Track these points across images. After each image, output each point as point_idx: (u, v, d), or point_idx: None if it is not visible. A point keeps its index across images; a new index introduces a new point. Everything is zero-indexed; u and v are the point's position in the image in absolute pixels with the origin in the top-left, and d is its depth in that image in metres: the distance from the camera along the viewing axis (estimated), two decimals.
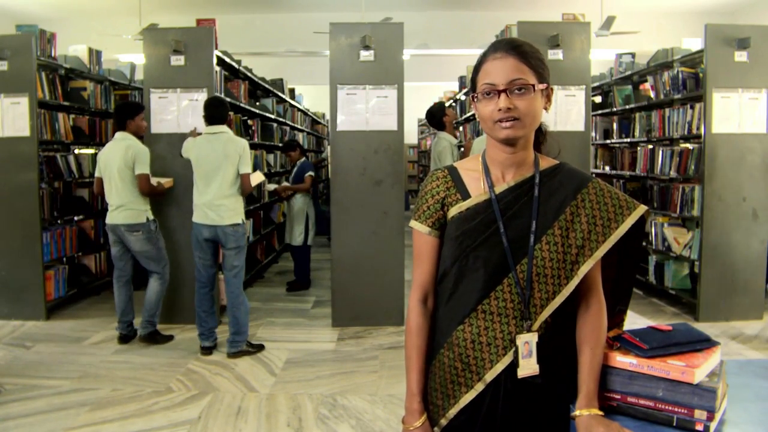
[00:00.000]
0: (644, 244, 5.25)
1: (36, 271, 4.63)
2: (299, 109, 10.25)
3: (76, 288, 5.22)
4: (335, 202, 4.59)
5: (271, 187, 6.32)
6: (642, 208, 1.24)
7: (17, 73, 4.55)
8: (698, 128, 4.62)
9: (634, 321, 1.45)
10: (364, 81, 4.49)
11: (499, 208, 1.23)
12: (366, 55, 4.48)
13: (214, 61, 4.57)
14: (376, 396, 3.33)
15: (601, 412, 1.16)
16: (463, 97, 7.52)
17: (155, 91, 4.52)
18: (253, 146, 6.48)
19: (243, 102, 5.82)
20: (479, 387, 1.23)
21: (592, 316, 1.25)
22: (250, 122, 6.52)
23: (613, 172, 6.25)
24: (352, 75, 4.49)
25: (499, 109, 1.17)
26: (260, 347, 4.06)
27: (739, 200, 4.48)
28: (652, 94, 5.58)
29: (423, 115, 5.75)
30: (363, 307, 4.60)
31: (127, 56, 7.88)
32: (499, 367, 1.22)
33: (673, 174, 4.97)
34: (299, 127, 10.04)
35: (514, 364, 1.21)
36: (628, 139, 6.03)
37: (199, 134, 4.05)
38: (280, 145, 7.43)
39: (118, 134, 4.05)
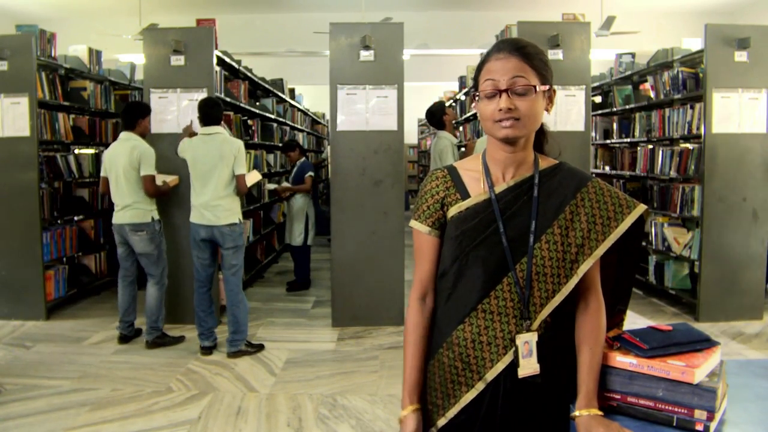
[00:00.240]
0: (644, 244, 5.26)
1: (36, 271, 4.63)
2: (299, 109, 10.25)
3: (76, 288, 5.22)
4: (335, 202, 4.59)
5: (271, 186, 6.33)
6: (641, 207, 1.24)
7: (17, 73, 4.55)
8: (698, 128, 4.62)
9: (634, 321, 1.45)
10: (364, 81, 4.49)
11: (498, 207, 1.23)
12: (366, 55, 4.48)
13: (214, 61, 4.57)
14: (376, 396, 3.33)
15: (601, 412, 1.16)
16: (463, 97, 7.52)
17: (155, 91, 4.52)
18: (253, 146, 6.49)
19: (243, 102, 5.82)
20: (480, 386, 1.23)
21: (591, 315, 1.25)
22: (250, 122, 6.52)
23: (613, 172, 6.25)
24: (352, 75, 4.49)
25: (500, 109, 1.18)
26: (260, 347, 4.07)
27: (739, 200, 4.48)
28: (652, 94, 5.58)
29: (423, 115, 5.76)
30: (363, 307, 4.60)
31: (127, 56, 7.88)
32: (500, 367, 1.22)
33: (673, 174, 4.97)
34: (299, 127, 10.04)
35: (514, 364, 1.21)
36: (628, 139, 6.03)
37: (195, 134, 4.05)
38: (280, 145, 7.43)
39: (123, 134, 4.05)
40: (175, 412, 3.12)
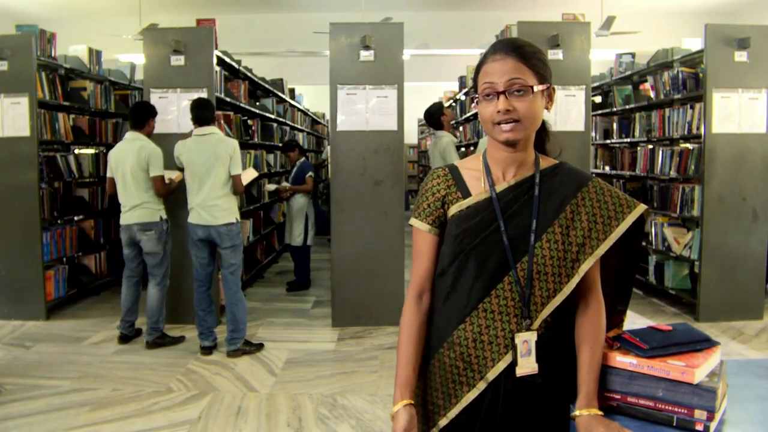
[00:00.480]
0: (644, 244, 5.25)
1: (36, 271, 4.63)
2: (299, 109, 10.25)
3: (76, 288, 5.22)
4: (335, 202, 4.59)
5: (272, 187, 6.32)
6: (642, 207, 1.25)
7: (17, 73, 4.55)
8: (698, 128, 4.62)
9: (634, 321, 1.45)
10: (364, 81, 4.49)
11: (499, 206, 1.24)
12: (366, 55, 4.48)
13: (214, 61, 4.57)
14: (376, 396, 3.33)
15: (601, 412, 1.16)
16: (463, 97, 7.52)
17: (155, 91, 4.52)
18: (253, 146, 6.49)
19: (243, 102, 5.82)
20: (481, 386, 1.23)
21: (591, 315, 1.25)
22: (250, 122, 6.52)
23: (613, 172, 6.25)
24: (352, 75, 4.49)
25: (498, 111, 1.18)
26: (260, 346, 4.07)
27: (739, 200, 4.48)
28: (652, 94, 5.58)
29: (423, 115, 5.76)
30: (363, 307, 4.60)
31: (127, 56, 7.89)
32: (501, 366, 1.22)
33: (673, 174, 4.96)
34: (299, 127, 10.04)
35: (514, 364, 1.21)
36: (628, 139, 6.03)
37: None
38: (280, 145, 7.44)
39: (130, 134, 4.05)
40: (175, 412, 3.12)
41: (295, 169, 5.93)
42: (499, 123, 1.19)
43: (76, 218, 5.45)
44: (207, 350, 3.97)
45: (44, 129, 4.84)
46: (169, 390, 3.41)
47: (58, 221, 5.21)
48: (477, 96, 1.23)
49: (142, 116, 4.05)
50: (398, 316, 1.28)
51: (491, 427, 1.24)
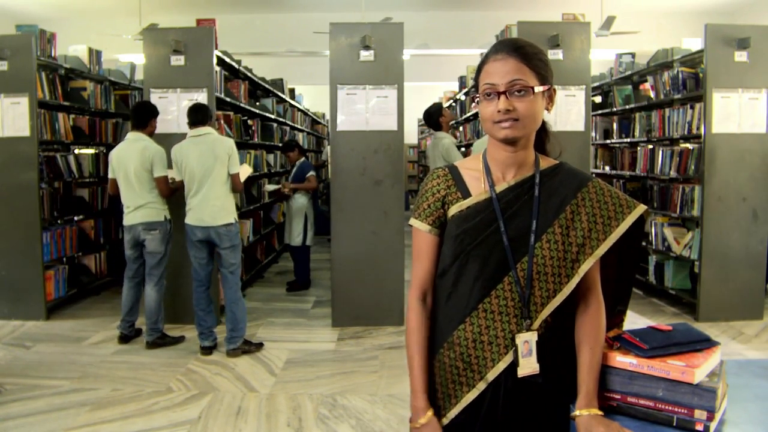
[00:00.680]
0: (644, 244, 5.26)
1: (36, 271, 4.63)
2: (299, 109, 10.25)
3: (76, 288, 5.22)
4: (335, 202, 4.59)
5: (271, 187, 6.32)
6: (642, 208, 1.25)
7: (17, 73, 4.55)
8: (698, 128, 4.62)
9: (634, 321, 1.45)
10: (364, 81, 4.49)
11: (499, 207, 1.24)
12: (366, 55, 4.48)
13: (214, 61, 4.57)
14: (376, 396, 3.33)
15: (601, 412, 1.16)
16: (463, 97, 7.52)
17: (155, 91, 4.52)
18: (253, 146, 6.49)
19: (243, 102, 5.82)
20: (481, 386, 1.23)
21: (590, 315, 1.25)
22: (250, 122, 6.52)
23: (613, 172, 6.25)
24: (352, 75, 4.49)
25: (499, 111, 1.18)
26: (260, 345, 4.07)
27: (739, 200, 4.48)
28: (652, 94, 5.58)
29: (422, 115, 5.76)
30: (363, 307, 4.60)
31: (127, 56, 7.89)
32: (501, 366, 1.22)
33: (673, 174, 4.96)
34: (299, 127, 10.05)
35: (514, 364, 1.21)
36: (628, 139, 6.03)
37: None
38: (280, 145, 7.44)
39: (132, 134, 4.04)
40: (175, 412, 3.12)
41: (294, 169, 5.93)
42: (498, 121, 1.19)
43: (76, 218, 5.45)
44: (207, 350, 3.97)
45: (44, 129, 4.84)
46: (169, 390, 3.41)
47: (58, 221, 5.21)
48: (478, 96, 1.23)
49: (144, 116, 4.04)
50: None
51: (491, 427, 1.24)
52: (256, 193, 6.53)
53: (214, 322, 4.04)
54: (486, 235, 1.23)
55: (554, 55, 4.45)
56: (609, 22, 7.02)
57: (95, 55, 5.72)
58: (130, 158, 3.94)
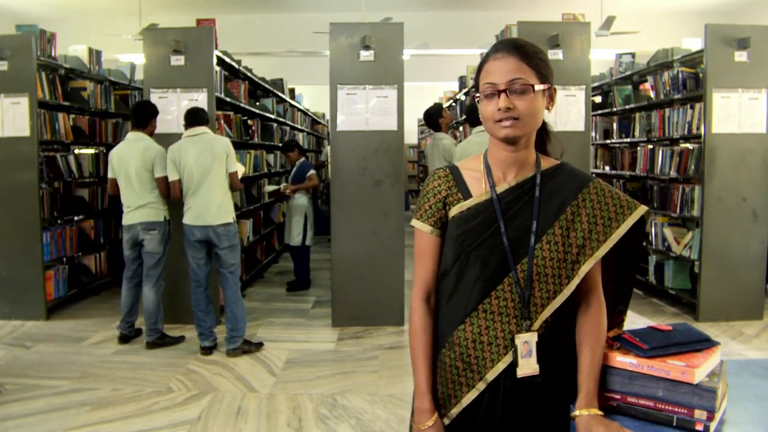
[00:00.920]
0: (644, 244, 5.25)
1: (36, 271, 4.63)
2: (299, 109, 10.25)
3: (76, 288, 5.22)
4: (335, 202, 4.59)
5: (271, 188, 6.32)
6: (642, 209, 1.24)
7: (17, 73, 4.55)
8: (698, 128, 4.62)
9: (634, 321, 1.45)
10: (364, 81, 4.49)
11: (500, 207, 1.24)
12: (366, 55, 4.48)
13: (214, 61, 4.57)
14: (376, 396, 3.33)
15: (601, 412, 1.16)
16: (463, 97, 7.51)
17: (155, 91, 4.52)
18: (253, 146, 6.49)
19: (243, 102, 5.82)
20: (481, 386, 1.23)
21: (591, 316, 1.25)
22: (250, 122, 6.52)
23: (613, 172, 6.25)
24: (352, 75, 4.49)
25: (499, 109, 1.18)
26: (259, 345, 4.07)
27: (739, 200, 4.48)
28: (652, 94, 5.58)
29: (422, 115, 5.76)
30: (363, 307, 4.60)
31: (127, 56, 7.89)
32: (501, 366, 1.22)
33: (673, 174, 4.96)
34: (299, 127, 10.05)
35: (514, 364, 1.21)
36: (628, 139, 6.03)
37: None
38: (280, 145, 7.44)
39: (132, 134, 4.04)
40: (175, 412, 3.12)
41: (294, 169, 5.93)
42: (499, 120, 1.19)
43: (76, 218, 5.45)
44: (207, 350, 3.97)
45: (44, 129, 4.84)
46: (169, 390, 3.41)
47: (58, 221, 5.21)
48: (478, 95, 1.23)
49: (144, 115, 4.04)
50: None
51: (491, 427, 1.24)
52: (256, 193, 6.53)
53: (213, 322, 4.04)
54: (486, 235, 1.23)
55: (554, 55, 4.45)
56: (609, 22, 7.02)
57: (95, 55, 5.72)
58: (131, 158, 3.93)
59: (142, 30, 4.82)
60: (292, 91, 9.32)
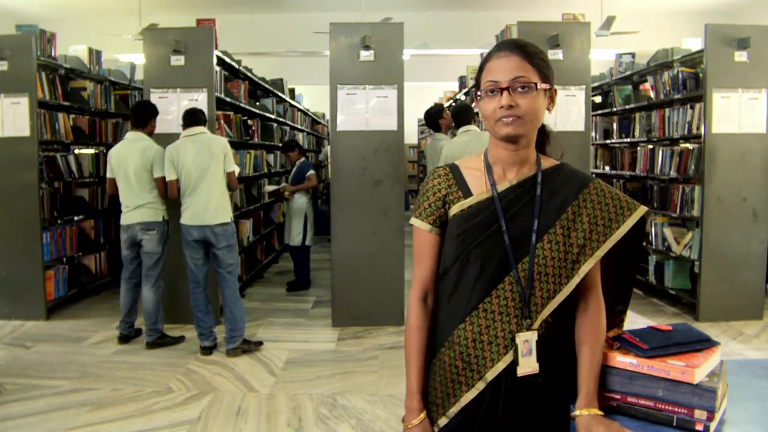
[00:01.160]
0: (644, 244, 5.25)
1: (36, 271, 4.63)
2: (299, 109, 10.25)
3: (76, 288, 5.22)
4: (335, 202, 4.59)
5: (271, 188, 6.32)
6: (642, 209, 1.25)
7: (17, 73, 4.55)
8: (698, 128, 4.62)
9: (634, 321, 1.45)
10: (364, 81, 4.49)
11: (501, 206, 1.23)
12: (366, 55, 4.48)
13: (214, 61, 4.57)
14: (376, 396, 3.33)
15: (601, 412, 1.16)
16: (463, 97, 7.51)
17: (155, 91, 4.52)
18: (253, 146, 6.49)
19: (243, 102, 5.82)
20: (480, 386, 1.23)
21: (591, 315, 1.25)
22: (250, 122, 6.52)
23: (613, 172, 6.25)
24: (352, 75, 4.49)
25: (501, 107, 1.18)
26: (259, 344, 4.07)
27: (739, 200, 4.48)
28: (652, 94, 5.58)
29: (423, 115, 5.76)
30: (363, 307, 4.60)
31: (127, 56, 7.88)
32: (501, 366, 1.22)
33: (673, 174, 4.96)
34: (299, 127, 10.04)
35: (514, 363, 1.21)
36: (628, 139, 6.03)
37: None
38: (280, 145, 7.44)
39: (131, 134, 4.04)
40: (175, 412, 3.12)
41: (294, 169, 5.93)
42: (500, 118, 1.19)
43: (76, 218, 5.45)
44: (207, 350, 3.97)
45: (44, 129, 4.84)
46: (169, 390, 3.41)
47: (58, 221, 5.21)
48: (479, 93, 1.23)
49: (144, 115, 4.04)
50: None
51: (491, 426, 1.24)
52: (256, 193, 6.53)
53: (213, 322, 4.03)
54: (487, 234, 1.23)
55: (554, 55, 4.45)
56: (609, 22, 7.02)
57: (95, 55, 5.72)
58: (130, 158, 3.93)
59: (142, 30, 4.82)
60: (292, 91, 9.32)
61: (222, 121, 5.18)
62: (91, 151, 5.94)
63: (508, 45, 1.22)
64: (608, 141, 6.53)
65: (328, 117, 7.96)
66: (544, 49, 4.35)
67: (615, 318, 1.35)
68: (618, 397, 1.19)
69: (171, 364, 3.81)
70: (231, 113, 5.57)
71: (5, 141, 4.58)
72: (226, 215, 3.89)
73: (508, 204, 1.24)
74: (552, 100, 1.25)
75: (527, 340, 1.21)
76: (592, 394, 1.18)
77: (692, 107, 4.75)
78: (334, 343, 4.28)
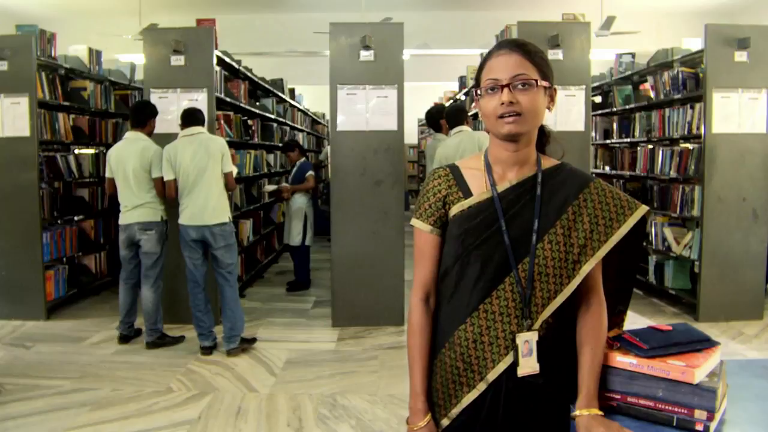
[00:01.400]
0: (644, 244, 5.25)
1: (36, 271, 4.63)
2: (299, 109, 10.25)
3: (76, 288, 5.22)
4: (335, 202, 4.59)
5: (271, 188, 6.32)
6: (643, 209, 1.24)
7: (17, 73, 4.55)
8: (698, 128, 4.62)
9: (634, 321, 1.45)
10: (364, 81, 4.49)
11: (501, 206, 1.23)
12: (366, 55, 4.48)
13: (214, 61, 4.57)
14: (376, 396, 3.33)
15: (601, 412, 1.16)
16: (463, 97, 7.51)
17: (155, 91, 4.52)
18: (253, 146, 6.49)
19: (243, 102, 5.82)
20: (481, 386, 1.23)
21: (592, 316, 1.25)
22: (250, 122, 6.52)
23: (613, 172, 6.25)
24: (352, 75, 4.49)
25: (502, 103, 1.18)
26: (253, 340, 4.09)
27: (739, 200, 4.48)
28: (652, 94, 5.58)
29: (423, 115, 5.75)
30: (363, 307, 4.59)
31: (127, 56, 7.88)
32: (501, 367, 1.22)
33: (673, 174, 4.97)
34: (299, 127, 10.04)
35: (515, 364, 1.21)
36: (628, 139, 6.03)
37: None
38: (280, 145, 7.43)
39: (131, 134, 4.04)
40: (175, 412, 3.12)
41: (295, 169, 5.93)
42: (501, 116, 1.19)
43: (76, 218, 5.45)
44: (207, 350, 3.96)
45: (44, 129, 4.84)
46: (169, 390, 3.41)
47: (58, 221, 5.21)
48: (479, 90, 1.23)
49: (143, 115, 4.04)
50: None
51: (492, 427, 1.24)
52: (256, 193, 6.53)
53: (212, 322, 4.03)
54: (488, 235, 1.23)
55: (554, 55, 4.45)
56: (609, 22, 7.02)
57: (95, 55, 5.72)
58: (129, 158, 3.93)
59: (142, 30, 4.82)
60: (292, 91, 9.31)
61: (222, 121, 5.18)
62: (91, 151, 5.94)
63: (508, 44, 1.22)
64: (608, 141, 6.53)
65: (328, 117, 7.95)
66: (544, 49, 4.35)
67: (615, 318, 1.35)
68: (618, 397, 1.19)
69: (171, 364, 3.81)
70: (231, 113, 5.56)
71: (5, 141, 4.58)
72: (225, 215, 3.89)
73: (509, 204, 1.24)
74: (552, 99, 1.25)
75: (528, 340, 1.21)
76: (592, 394, 1.18)
77: (692, 107, 4.75)
78: (334, 343, 4.28)
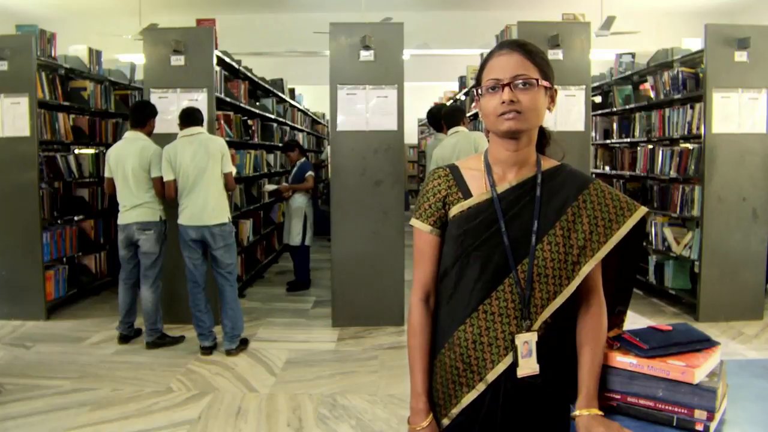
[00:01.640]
0: (644, 244, 5.25)
1: (36, 271, 4.63)
2: (299, 109, 10.25)
3: (76, 288, 5.22)
4: (335, 202, 4.59)
5: (271, 187, 6.32)
6: (643, 210, 1.25)
7: (17, 73, 4.55)
8: (698, 128, 4.62)
9: (634, 321, 1.45)
10: (364, 81, 4.49)
11: (500, 207, 1.23)
12: (366, 55, 4.48)
13: (214, 61, 4.57)
14: (376, 396, 3.33)
15: (601, 412, 1.16)
16: (463, 97, 7.51)
17: (155, 91, 4.52)
18: (253, 146, 6.49)
19: (243, 102, 5.82)
20: (481, 387, 1.23)
21: (592, 316, 1.25)
22: (250, 122, 6.52)
23: (613, 172, 6.25)
24: (352, 75, 4.49)
25: (503, 102, 1.18)
26: (245, 341, 4.10)
27: (739, 200, 4.48)
28: (652, 94, 5.58)
29: (423, 115, 5.77)
30: (363, 307, 4.60)
31: (127, 56, 7.88)
32: (501, 368, 1.22)
33: (673, 174, 4.96)
34: (299, 127, 10.04)
35: (515, 365, 1.21)
36: (628, 139, 6.03)
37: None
38: (280, 145, 7.43)
39: (130, 134, 4.04)
40: (175, 412, 3.12)
41: (295, 169, 5.93)
42: (502, 114, 1.19)
43: (76, 218, 5.45)
44: (207, 350, 3.96)
45: (44, 129, 4.84)
46: (169, 390, 3.41)
47: (58, 221, 5.21)
48: (480, 89, 1.23)
49: (143, 115, 4.04)
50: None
51: (491, 427, 1.24)
52: (256, 193, 6.53)
53: (212, 322, 4.03)
54: (487, 235, 1.23)
55: (554, 55, 4.45)
56: (609, 22, 7.02)
57: (95, 55, 5.72)
58: (129, 157, 3.93)
59: (142, 30, 4.82)
60: (292, 91, 9.31)
61: (222, 121, 5.18)
62: (91, 151, 5.94)
63: (509, 44, 1.23)
64: (608, 141, 6.53)
65: (328, 117, 7.95)
66: (544, 49, 4.34)
67: (615, 318, 1.35)
68: (618, 397, 1.19)
69: (171, 364, 3.81)
70: (231, 113, 5.56)
71: (5, 141, 4.58)
72: (224, 215, 3.89)
73: (508, 205, 1.24)
74: (553, 99, 1.25)
75: (527, 341, 1.21)
76: (592, 394, 1.18)
77: (692, 107, 4.75)
78: (334, 343, 4.28)
